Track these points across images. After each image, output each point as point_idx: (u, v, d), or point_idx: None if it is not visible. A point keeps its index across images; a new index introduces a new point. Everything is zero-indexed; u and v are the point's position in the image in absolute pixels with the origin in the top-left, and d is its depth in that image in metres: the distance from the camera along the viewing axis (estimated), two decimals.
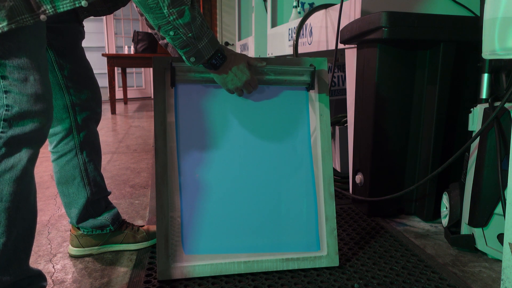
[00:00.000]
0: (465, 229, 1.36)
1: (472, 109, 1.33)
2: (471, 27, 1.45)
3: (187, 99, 1.19)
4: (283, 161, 1.22)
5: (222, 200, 1.18)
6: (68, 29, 1.13)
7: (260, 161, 1.21)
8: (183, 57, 0.99)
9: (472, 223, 1.31)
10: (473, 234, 1.32)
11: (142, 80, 7.26)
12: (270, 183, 1.21)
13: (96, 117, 1.25)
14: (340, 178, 2.06)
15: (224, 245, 1.18)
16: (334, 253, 1.21)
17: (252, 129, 1.21)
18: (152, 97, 7.30)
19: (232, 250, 1.18)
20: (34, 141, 0.87)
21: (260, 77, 1.18)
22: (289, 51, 2.59)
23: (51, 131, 1.18)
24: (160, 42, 1.27)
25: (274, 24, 3.45)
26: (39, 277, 0.96)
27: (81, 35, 1.18)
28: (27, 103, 0.84)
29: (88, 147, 1.23)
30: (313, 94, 1.25)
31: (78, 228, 1.30)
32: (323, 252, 1.22)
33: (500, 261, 1.25)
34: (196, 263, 1.15)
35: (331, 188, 1.23)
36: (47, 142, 1.22)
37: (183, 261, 1.15)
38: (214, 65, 1.03)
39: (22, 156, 0.85)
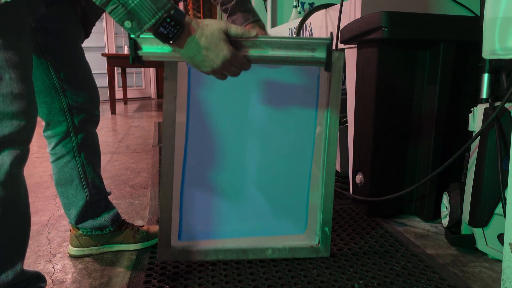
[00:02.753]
0: (465, 229, 1.36)
1: (472, 109, 1.33)
2: (471, 27, 1.45)
3: (199, 92, 1.16)
4: (284, 155, 1.22)
5: (222, 194, 1.23)
6: (66, 30, 1.10)
7: (261, 153, 1.22)
8: (118, 23, 0.75)
9: (472, 223, 1.31)
10: (473, 234, 1.32)
11: (142, 80, 7.26)
12: (271, 174, 1.23)
13: (94, 119, 1.23)
14: (340, 178, 2.06)
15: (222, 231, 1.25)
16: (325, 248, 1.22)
17: (256, 121, 1.20)
18: (152, 97, 7.24)
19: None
20: (16, 143, 0.82)
21: (250, 53, 0.86)
22: None
23: (49, 133, 1.17)
24: None
25: (274, 24, 3.45)
26: (37, 278, 0.95)
27: (79, 35, 1.14)
28: (3, 103, 0.79)
29: (87, 149, 1.22)
30: (323, 83, 1.16)
31: (78, 228, 1.29)
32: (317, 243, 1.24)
33: (501, 261, 1.25)
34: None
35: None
36: (46, 142, 1.22)
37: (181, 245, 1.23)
38: (165, 35, 0.76)
39: (5, 159, 0.80)
